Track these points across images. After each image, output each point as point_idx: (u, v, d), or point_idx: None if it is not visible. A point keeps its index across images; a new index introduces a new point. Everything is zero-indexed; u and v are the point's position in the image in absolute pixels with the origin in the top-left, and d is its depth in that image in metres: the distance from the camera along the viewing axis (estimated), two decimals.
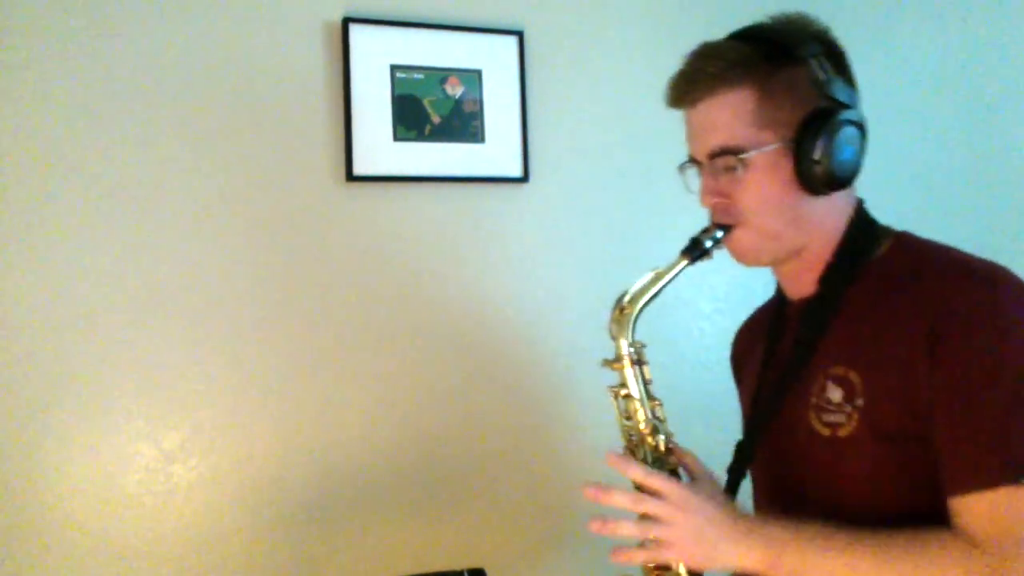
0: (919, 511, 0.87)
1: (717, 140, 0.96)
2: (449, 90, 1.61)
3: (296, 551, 1.51)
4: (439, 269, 1.62)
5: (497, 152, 1.64)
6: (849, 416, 0.91)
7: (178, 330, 1.46)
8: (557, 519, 1.62)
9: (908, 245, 0.97)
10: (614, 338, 1.02)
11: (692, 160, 1.01)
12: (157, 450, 1.45)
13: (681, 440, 1.03)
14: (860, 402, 0.90)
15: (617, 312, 1.01)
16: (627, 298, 1.00)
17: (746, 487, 1.07)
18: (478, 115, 1.63)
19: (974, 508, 0.82)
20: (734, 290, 1.77)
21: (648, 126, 1.72)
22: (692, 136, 1.01)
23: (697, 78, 0.97)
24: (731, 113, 0.95)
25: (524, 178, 1.66)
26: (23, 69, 1.39)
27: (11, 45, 1.38)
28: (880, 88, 1.88)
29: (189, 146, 1.47)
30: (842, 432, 0.92)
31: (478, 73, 1.63)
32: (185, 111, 1.47)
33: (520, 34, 1.66)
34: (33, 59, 1.39)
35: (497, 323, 1.65)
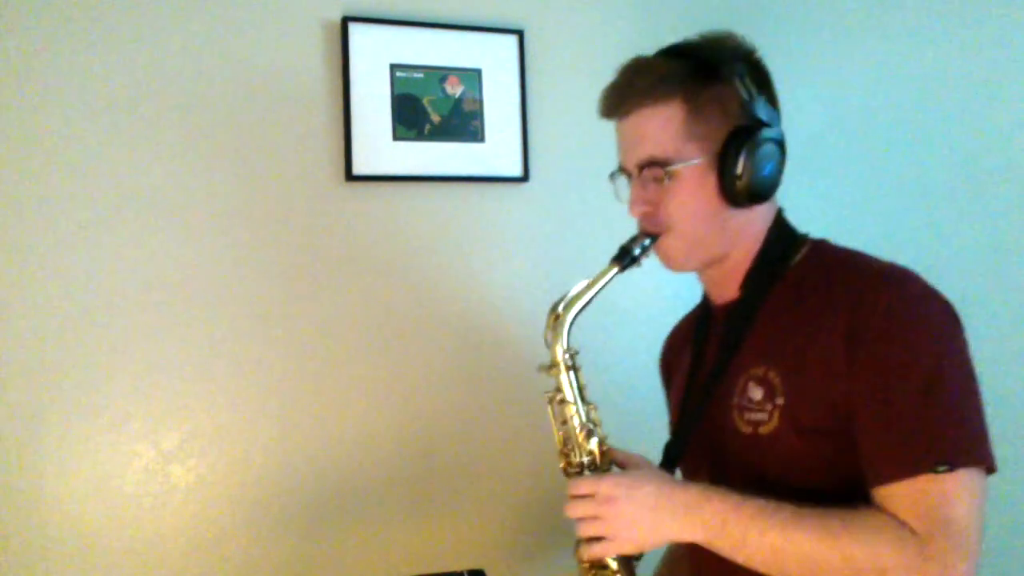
0: (843, 502, 0.89)
1: (646, 151, 1.00)
2: (449, 89, 1.61)
3: (295, 552, 1.50)
4: (439, 269, 1.62)
5: (497, 151, 1.64)
6: (770, 414, 0.95)
7: (177, 330, 1.46)
8: (557, 519, 1.60)
9: (822, 251, 1.03)
10: (549, 345, 1.06)
11: (622, 170, 1.06)
12: (156, 451, 1.44)
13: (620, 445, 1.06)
14: (780, 400, 0.95)
15: (552, 319, 1.06)
16: (561, 305, 1.05)
17: None
18: (478, 114, 1.62)
19: (897, 496, 0.86)
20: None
21: None
22: (622, 147, 1.05)
23: (628, 91, 1.01)
24: (660, 126, 0.99)
25: (524, 177, 1.66)
26: (22, 69, 1.39)
27: (10, 45, 1.38)
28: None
29: (188, 146, 1.47)
30: (763, 430, 0.96)
31: (478, 72, 1.63)
32: (184, 111, 1.47)
33: (520, 33, 1.66)
34: (32, 59, 1.39)
35: (497, 323, 1.65)
